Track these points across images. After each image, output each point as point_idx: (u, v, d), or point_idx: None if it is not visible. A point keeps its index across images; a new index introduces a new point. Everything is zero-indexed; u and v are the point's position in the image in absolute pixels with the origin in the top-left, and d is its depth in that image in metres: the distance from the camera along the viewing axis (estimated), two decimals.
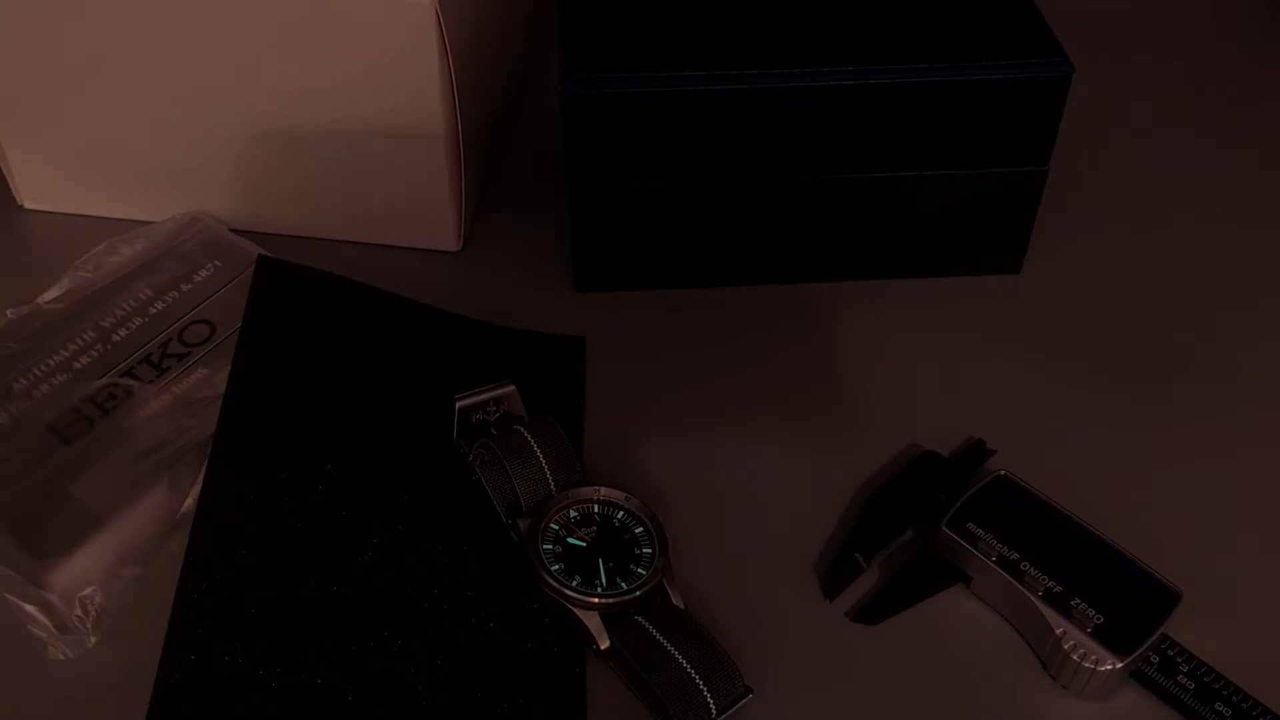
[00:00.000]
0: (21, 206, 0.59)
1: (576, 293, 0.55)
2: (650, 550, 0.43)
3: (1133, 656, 0.41)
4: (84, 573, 0.43)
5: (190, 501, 0.45)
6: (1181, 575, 0.43)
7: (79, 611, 0.43)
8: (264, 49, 0.51)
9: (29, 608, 0.42)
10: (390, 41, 0.50)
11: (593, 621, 0.41)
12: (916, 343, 0.54)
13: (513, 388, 0.47)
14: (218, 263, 0.54)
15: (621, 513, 0.44)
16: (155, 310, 0.52)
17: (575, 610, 0.42)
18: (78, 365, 0.49)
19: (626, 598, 0.42)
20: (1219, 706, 0.41)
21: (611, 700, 0.42)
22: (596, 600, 0.42)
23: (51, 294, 0.52)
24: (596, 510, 0.44)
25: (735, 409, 0.51)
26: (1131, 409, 0.51)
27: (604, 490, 0.45)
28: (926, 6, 0.53)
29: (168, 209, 0.57)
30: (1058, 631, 0.42)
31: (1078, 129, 0.57)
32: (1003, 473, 0.46)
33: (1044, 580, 0.43)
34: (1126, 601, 0.42)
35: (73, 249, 0.55)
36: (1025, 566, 0.43)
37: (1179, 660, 0.42)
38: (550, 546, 0.43)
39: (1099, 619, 0.42)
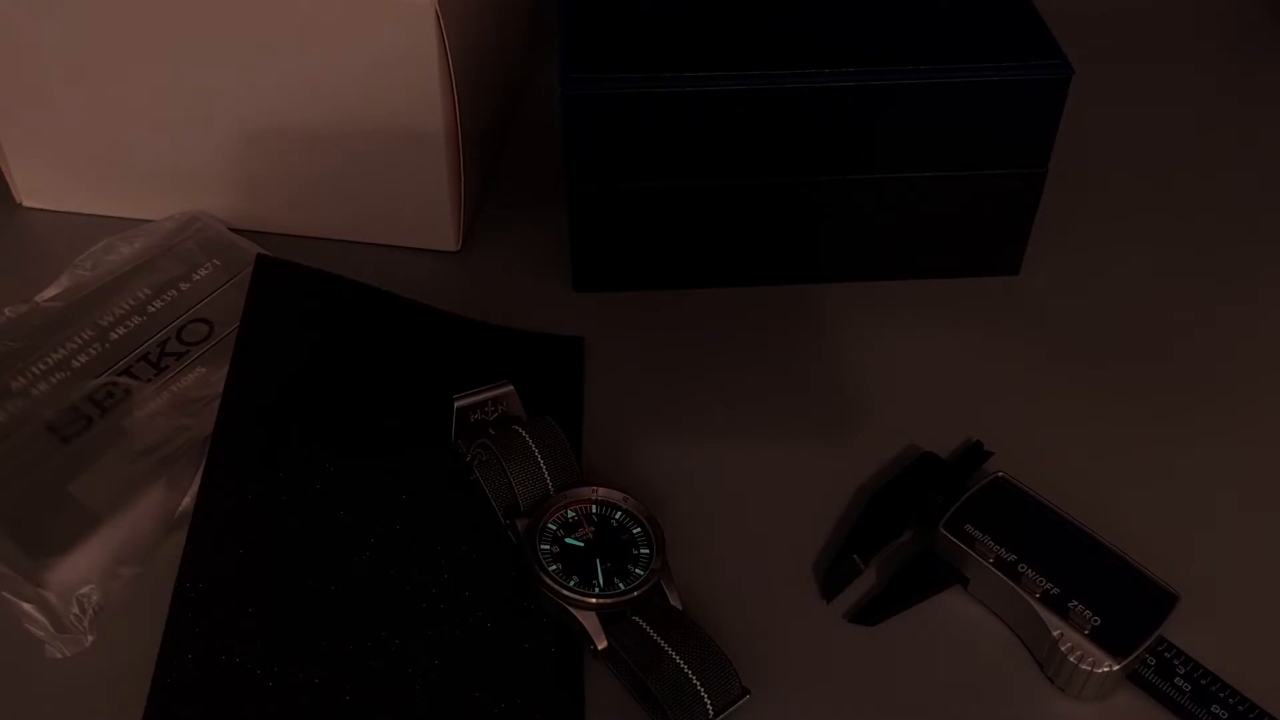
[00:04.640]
0: (20, 205, 0.59)
1: (576, 293, 0.55)
2: (648, 551, 0.43)
3: (1130, 658, 0.41)
4: (82, 571, 0.43)
5: (188, 500, 0.45)
6: (1179, 577, 0.43)
7: (76, 610, 0.43)
8: (264, 48, 0.51)
9: (27, 606, 0.42)
10: (390, 41, 0.50)
11: (590, 622, 0.41)
12: (915, 344, 0.54)
13: (511, 388, 0.47)
14: (216, 262, 0.54)
15: (619, 513, 0.44)
16: (154, 309, 0.52)
17: (573, 610, 0.42)
18: (76, 364, 0.49)
19: (624, 598, 0.42)
20: (1215, 709, 0.41)
21: (609, 701, 0.42)
22: (594, 600, 0.42)
23: (50, 292, 0.52)
24: (594, 510, 0.44)
25: (734, 410, 0.51)
26: (1130, 411, 0.51)
27: (602, 490, 0.45)
28: (926, 8, 0.53)
29: (167, 208, 0.57)
30: (1055, 633, 0.42)
31: (1077, 129, 0.57)
32: (1001, 474, 0.46)
33: (1041, 582, 0.43)
34: (1124, 604, 0.42)
35: (71, 247, 0.55)
36: (1023, 568, 0.43)
37: (1176, 662, 0.42)
38: (548, 546, 0.43)
39: (1096, 621, 0.42)
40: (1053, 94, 0.51)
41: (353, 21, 0.50)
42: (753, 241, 0.55)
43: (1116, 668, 0.41)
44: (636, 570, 0.43)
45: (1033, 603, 0.43)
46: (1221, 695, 0.41)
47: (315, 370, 0.48)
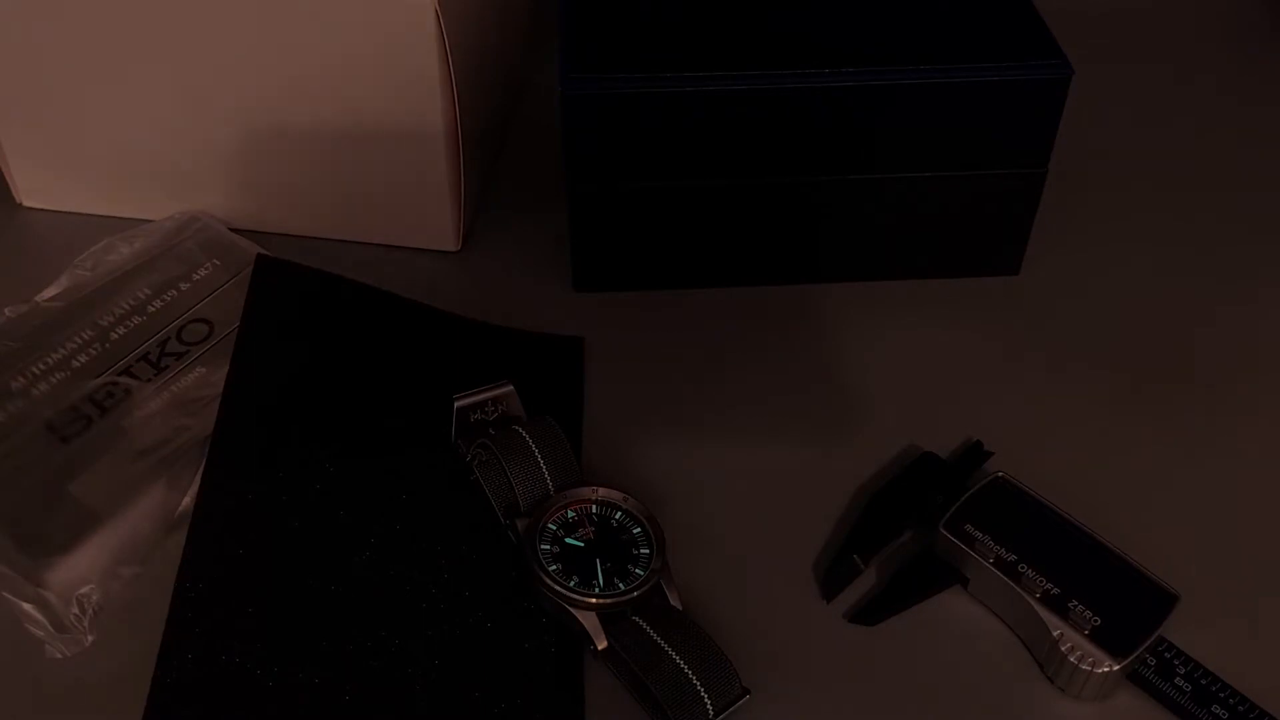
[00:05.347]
0: (20, 205, 0.59)
1: (575, 293, 0.55)
2: (648, 551, 0.43)
3: (1130, 659, 0.41)
4: (82, 571, 0.43)
5: (188, 500, 0.45)
6: (1179, 577, 0.43)
7: (76, 610, 0.43)
8: (263, 48, 0.51)
9: (26, 606, 0.42)
10: (390, 40, 0.50)
11: (590, 622, 0.41)
12: (916, 344, 0.54)
13: (511, 388, 0.47)
14: (216, 262, 0.54)
15: (619, 513, 0.44)
16: (154, 309, 0.52)
17: (573, 610, 0.42)
18: (76, 364, 0.49)
19: (624, 598, 0.42)
20: (1216, 709, 0.41)
21: (609, 701, 0.42)
22: (594, 600, 0.42)
23: (50, 292, 0.52)
24: (594, 510, 0.44)
25: (734, 410, 0.51)
26: (1130, 411, 0.51)
27: (602, 490, 0.45)
28: (926, 8, 0.53)
29: (167, 208, 0.57)
30: (1055, 633, 0.42)
31: (1077, 129, 0.57)
32: (1001, 474, 0.46)
33: (1041, 582, 0.43)
34: (1124, 604, 0.42)
35: (71, 247, 0.55)
36: (1023, 568, 0.43)
37: (1176, 663, 0.42)
38: (548, 546, 0.43)
39: (1096, 621, 0.42)
40: (1053, 94, 0.51)
41: (352, 21, 0.50)
42: (753, 241, 0.55)
43: (1116, 668, 0.41)
44: (636, 570, 0.43)
45: (1033, 603, 0.43)
46: (1222, 695, 0.41)
47: (315, 370, 0.48)
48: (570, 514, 0.44)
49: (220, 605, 0.41)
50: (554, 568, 0.42)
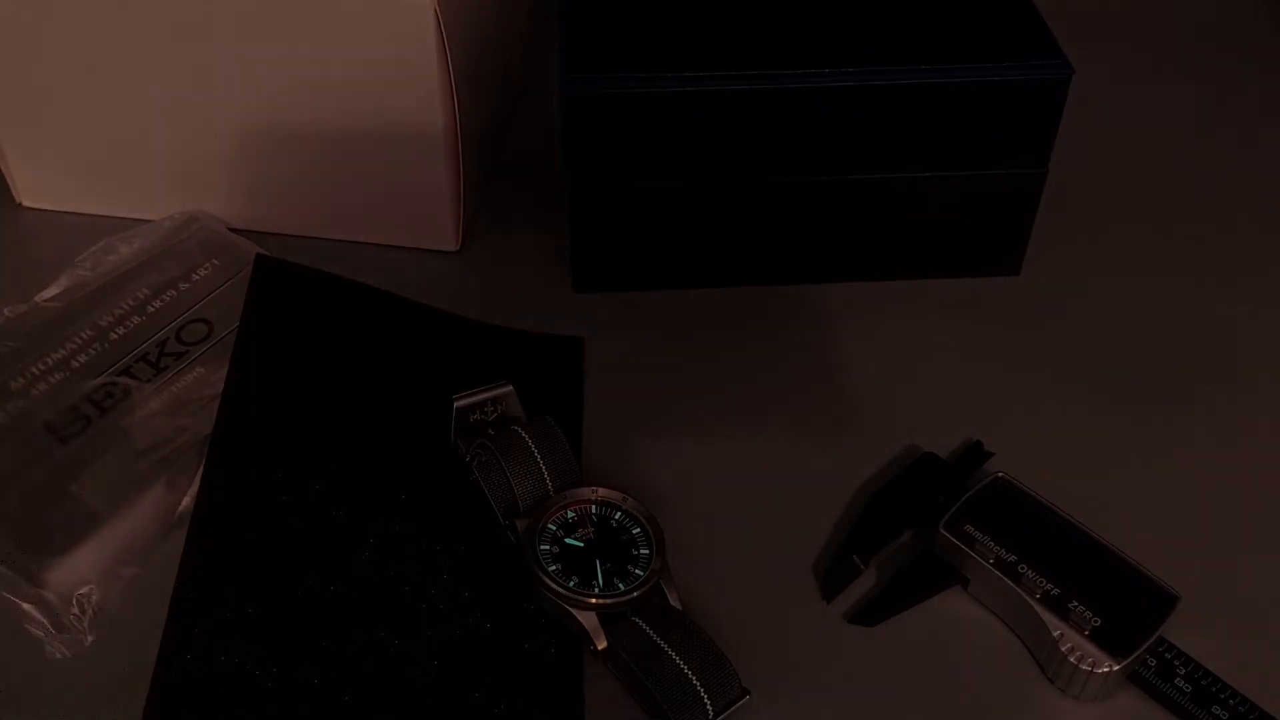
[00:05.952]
0: (20, 205, 0.59)
1: (575, 293, 0.55)
2: (648, 551, 0.43)
3: (1130, 659, 0.41)
4: (81, 571, 0.43)
5: (188, 500, 0.45)
6: (1179, 578, 0.43)
7: (76, 610, 0.43)
8: (263, 48, 0.51)
9: (26, 606, 0.42)
10: (390, 41, 0.50)
11: (590, 622, 0.41)
12: (916, 344, 0.54)
13: (510, 388, 0.47)
14: (216, 262, 0.54)
15: (619, 513, 0.44)
16: (153, 309, 0.52)
17: (573, 611, 0.42)
18: (75, 364, 0.49)
19: (624, 598, 0.42)
20: (1216, 710, 0.41)
21: (609, 701, 0.42)
22: (594, 601, 0.42)
23: (49, 292, 0.52)
24: (594, 511, 0.44)
25: (734, 410, 0.51)
26: (1130, 411, 0.51)
27: (601, 491, 0.45)
28: (926, 8, 0.53)
29: (166, 208, 0.57)
30: (1055, 634, 0.42)
31: (1077, 129, 0.57)
32: (1001, 475, 0.46)
33: (1042, 583, 0.43)
34: (1124, 604, 0.42)
35: (71, 247, 0.55)
36: (1023, 569, 0.43)
37: (1176, 663, 0.42)
38: (548, 547, 0.43)
39: (1096, 621, 0.42)
40: (1053, 94, 0.51)
41: (353, 21, 0.50)
42: (753, 241, 0.55)
43: (1117, 668, 0.41)
44: (636, 570, 0.43)
45: (1033, 603, 0.43)
46: (1222, 696, 0.41)
47: (315, 370, 0.48)
48: (570, 514, 0.44)
49: (220, 605, 0.41)
50: (554, 568, 0.42)
